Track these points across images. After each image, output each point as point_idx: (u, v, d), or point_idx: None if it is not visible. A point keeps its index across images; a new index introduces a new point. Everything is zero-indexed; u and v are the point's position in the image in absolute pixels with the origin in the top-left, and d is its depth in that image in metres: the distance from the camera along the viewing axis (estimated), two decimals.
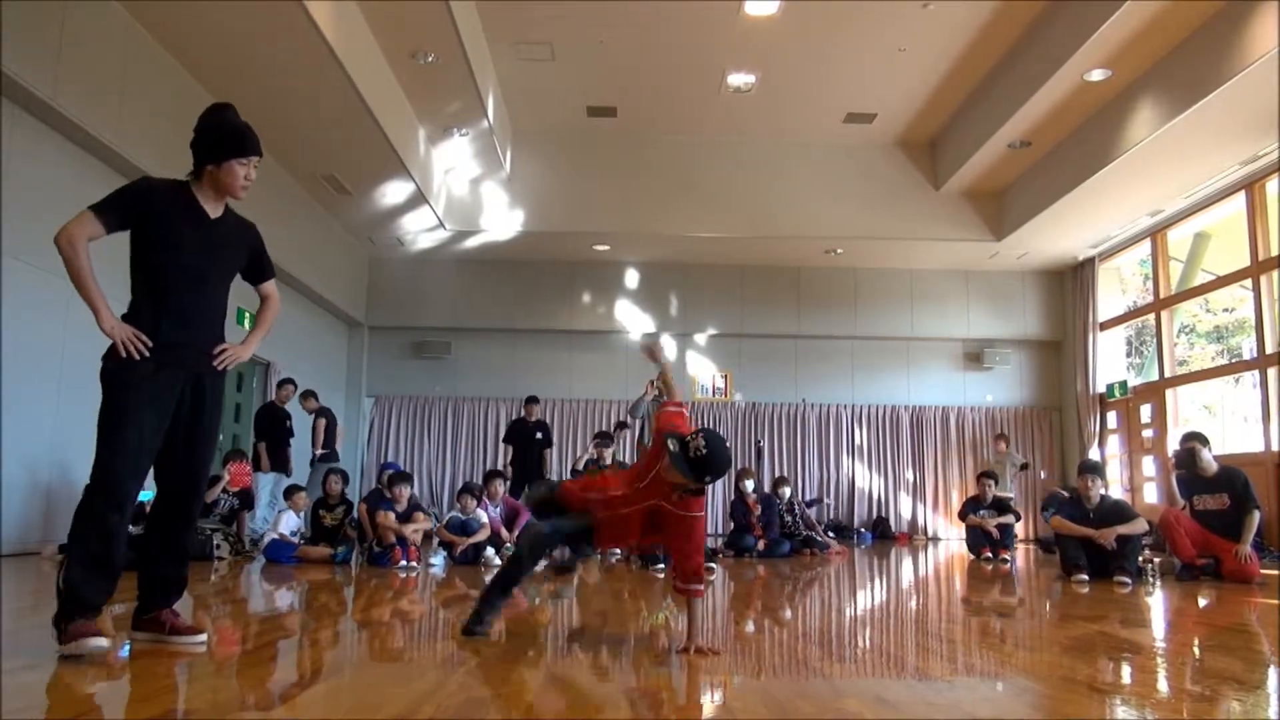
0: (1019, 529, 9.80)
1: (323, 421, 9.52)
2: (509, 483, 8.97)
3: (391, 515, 6.86)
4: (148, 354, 2.83)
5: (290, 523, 7.40)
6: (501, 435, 12.04)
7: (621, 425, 10.80)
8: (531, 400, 10.35)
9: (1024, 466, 11.71)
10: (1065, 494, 8.03)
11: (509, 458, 10.18)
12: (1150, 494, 11.61)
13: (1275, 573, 6.81)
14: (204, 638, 2.93)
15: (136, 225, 2.89)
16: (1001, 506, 8.53)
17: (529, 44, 9.59)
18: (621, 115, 11.28)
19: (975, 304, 13.31)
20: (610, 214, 11.78)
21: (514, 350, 13.34)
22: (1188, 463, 6.43)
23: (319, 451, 9.37)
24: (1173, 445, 9.35)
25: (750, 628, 3.71)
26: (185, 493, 3.00)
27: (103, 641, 2.66)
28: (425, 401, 13.21)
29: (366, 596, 4.78)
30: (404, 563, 6.59)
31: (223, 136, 3.04)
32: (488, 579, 5.86)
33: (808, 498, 12.48)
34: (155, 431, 2.88)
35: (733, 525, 9.05)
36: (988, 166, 11.03)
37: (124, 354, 2.81)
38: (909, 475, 13.21)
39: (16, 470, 6.33)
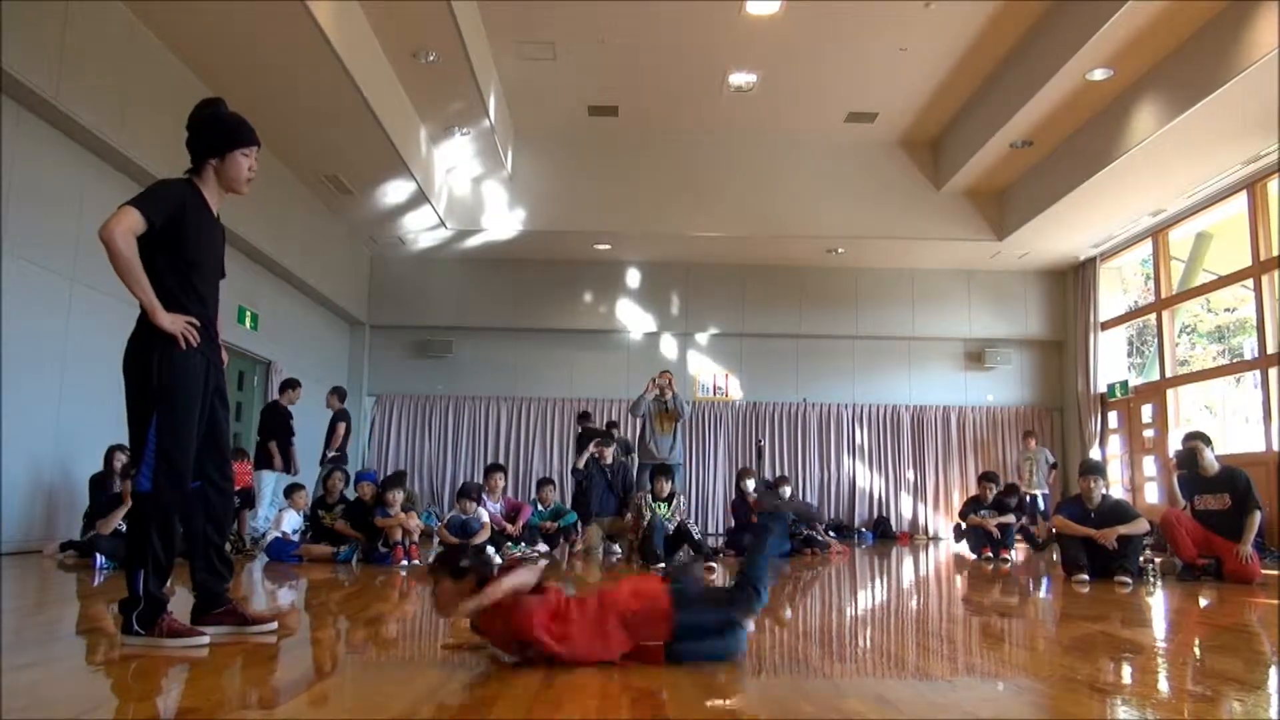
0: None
1: (342, 425, 9.55)
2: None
3: (391, 519, 6.85)
4: (197, 342, 2.89)
5: (292, 521, 7.40)
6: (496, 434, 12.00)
7: (612, 425, 10.82)
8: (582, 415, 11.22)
9: (1053, 466, 11.73)
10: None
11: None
12: (1151, 494, 11.60)
13: (1276, 573, 6.81)
14: (205, 640, 2.89)
15: (173, 223, 2.89)
16: (1002, 506, 8.52)
17: (531, 43, 9.59)
18: (623, 114, 11.28)
19: (976, 304, 13.30)
20: (612, 213, 11.78)
21: (515, 349, 13.35)
22: (1189, 462, 6.42)
23: (331, 453, 9.39)
24: (1174, 445, 9.36)
25: (751, 627, 3.70)
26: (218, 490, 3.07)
27: (206, 639, 2.83)
28: (427, 401, 13.22)
29: (368, 595, 4.78)
30: (405, 561, 6.59)
31: (223, 129, 3.03)
32: None
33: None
34: (200, 422, 2.94)
35: (733, 524, 9.06)
36: (989, 166, 11.02)
37: (184, 345, 2.84)
38: (910, 475, 13.21)
39: (19, 468, 6.34)
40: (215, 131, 3.02)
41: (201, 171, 3.02)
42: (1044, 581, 6.46)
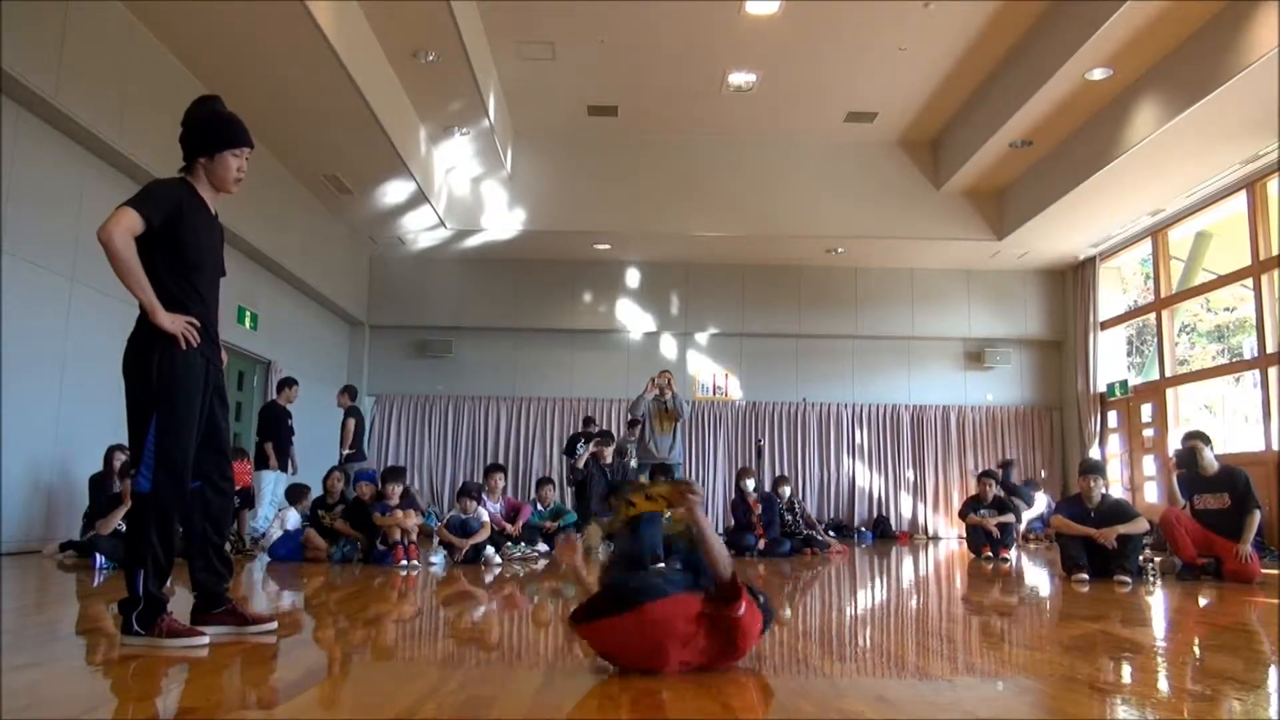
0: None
1: (352, 422, 9.56)
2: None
3: (390, 516, 6.85)
4: (197, 342, 2.88)
5: (294, 520, 7.41)
6: (497, 435, 11.94)
7: (634, 424, 10.79)
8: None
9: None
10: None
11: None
12: (1151, 493, 11.60)
13: (1276, 572, 6.81)
14: (205, 640, 2.89)
15: (171, 223, 2.88)
16: (1002, 506, 8.52)
17: (530, 43, 9.59)
18: (622, 114, 11.27)
19: (976, 303, 13.30)
20: (611, 213, 11.78)
21: (515, 349, 13.35)
22: (1189, 462, 6.43)
23: (347, 451, 9.40)
24: (1173, 445, 9.36)
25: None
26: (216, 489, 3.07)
27: (205, 639, 2.82)
28: (426, 401, 13.22)
29: (368, 595, 4.78)
30: (405, 561, 6.59)
31: (213, 128, 3.02)
32: (488, 578, 5.88)
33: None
34: (199, 422, 2.94)
35: (733, 524, 9.06)
36: (989, 165, 11.02)
37: (184, 345, 2.83)
38: (909, 474, 13.20)
39: (19, 468, 6.33)
40: (206, 130, 3.01)
41: (193, 170, 3.02)
42: (1024, 578, 6.46)
